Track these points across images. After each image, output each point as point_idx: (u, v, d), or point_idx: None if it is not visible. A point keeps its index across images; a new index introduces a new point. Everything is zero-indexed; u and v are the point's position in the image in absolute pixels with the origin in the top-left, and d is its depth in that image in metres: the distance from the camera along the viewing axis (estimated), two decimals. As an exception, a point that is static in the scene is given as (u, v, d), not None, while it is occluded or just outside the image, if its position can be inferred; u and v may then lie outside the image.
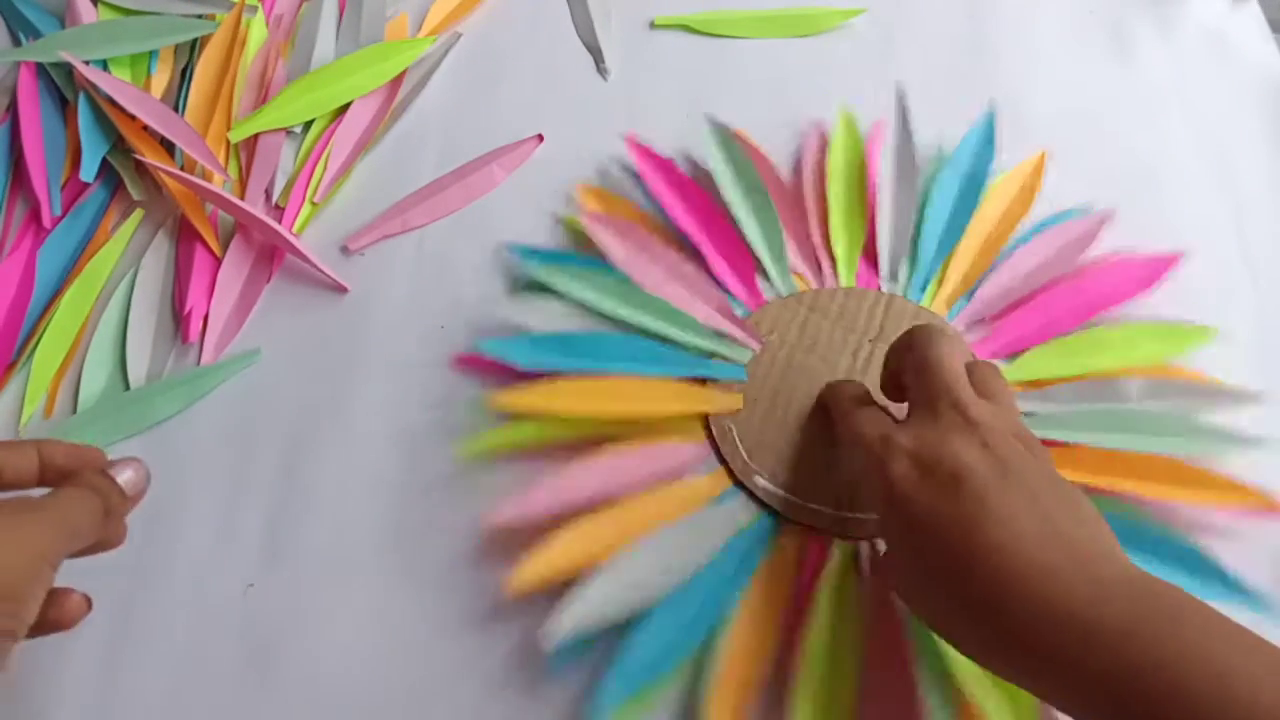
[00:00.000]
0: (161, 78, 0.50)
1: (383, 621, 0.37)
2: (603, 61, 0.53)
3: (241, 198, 0.47)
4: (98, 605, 0.37)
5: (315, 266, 0.45)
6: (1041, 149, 0.48)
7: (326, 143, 0.48)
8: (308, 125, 0.49)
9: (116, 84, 0.47)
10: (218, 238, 0.46)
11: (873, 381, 0.40)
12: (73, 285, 0.44)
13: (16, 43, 0.52)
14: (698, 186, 0.46)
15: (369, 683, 0.36)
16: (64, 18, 0.52)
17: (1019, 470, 0.30)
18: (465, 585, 0.38)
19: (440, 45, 0.53)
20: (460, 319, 0.44)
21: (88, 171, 0.46)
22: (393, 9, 0.54)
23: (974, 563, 0.28)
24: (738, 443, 0.40)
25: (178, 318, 0.44)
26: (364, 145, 0.49)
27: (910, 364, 0.34)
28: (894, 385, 0.36)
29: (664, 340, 0.42)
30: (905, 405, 0.35)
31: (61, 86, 0.49)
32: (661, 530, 0.37)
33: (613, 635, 0.35)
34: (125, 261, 0.46)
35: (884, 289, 0.44)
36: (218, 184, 0.46)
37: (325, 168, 0.48)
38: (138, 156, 0.46)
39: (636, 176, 0.47)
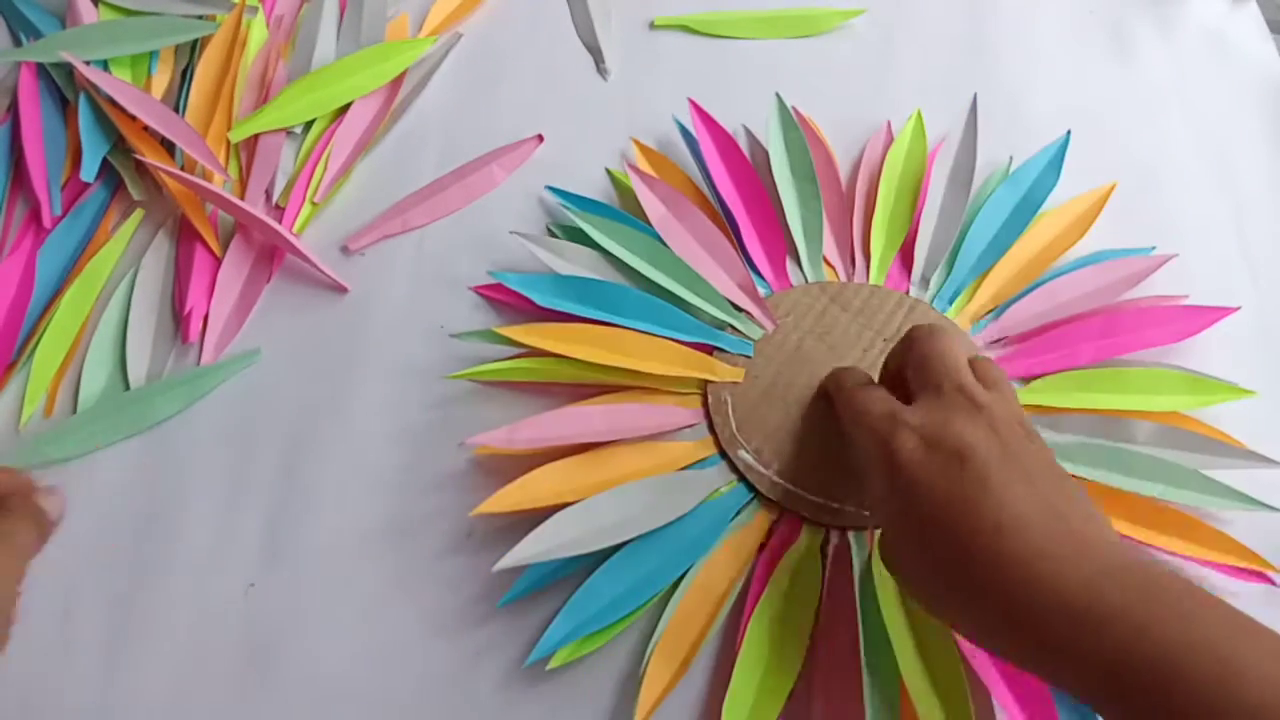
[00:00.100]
0: (162, 78, 0.50)
1: (383, 621, 0.37)
2: (603, 61, 0.53)
3: (242, 198, 0.47)
4: (98, 605, 0.37)
5: (316, 267, 0.45)
6: (1112, 181, 0.47)
7: (327, 143, 0.48)
8: (308, 125, 0.49)
9: (117, 84, 0.47)
10: (218, 238, 0.46)
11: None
12: (73, 285, 0.44)
13: (17, 43, 0.52)
14: (749, 163, 0.47)
15: (369, 683, 0.36)
16: (65, 18, 0.52)
17: (1021, 454, 0.30)
18: (465, 585, 0.38)
19: (441, 45, 0.53)
20: (460, 315, 0.44)
21: (88, 171, 0.46)
22: (393, 9, 0.54)
23: (974, 543, 0.28)
24: (730, 414, 0.41)
25: (178, 318, 0.44)
26: (364, 145, 0.49)
27: (913, 357, 0.34)
28: (894, 385, 0.36)
29: (681, 304, 0.43)
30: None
31: (62, 86, 0.49)
32: (636, 482, 0.38)
33: (575, 584, 0.37)
34: (125, 261, 0.46)
35: (912, 293, 0.44)
36: (218, 184, 0.46)
37: (325, 168, 0.48)
38: (138, 156, 0.46)
39: (693, 140, 0.48)
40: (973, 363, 0.34)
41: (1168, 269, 0.44)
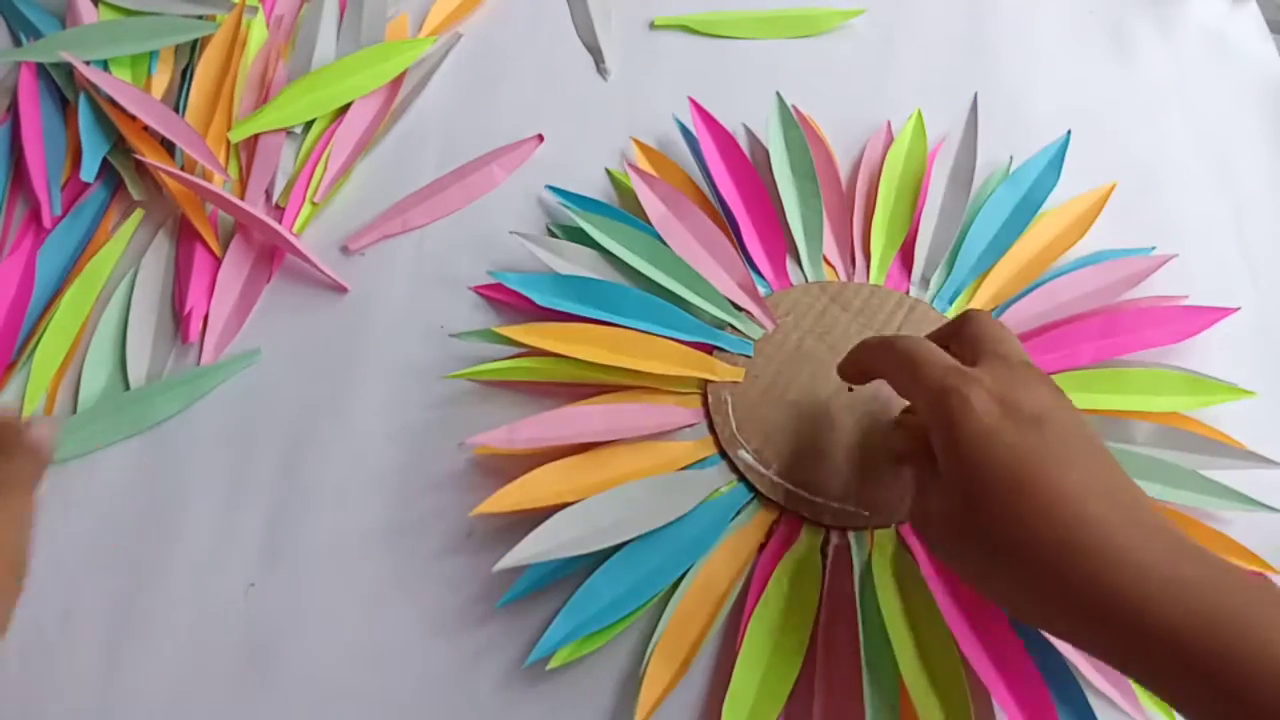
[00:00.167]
0: (162, 78, 0.50)
1: (383, 621, 0.37)
2: (603, 61, 0.53)
3: (241, 198, 0.47)
4: (98, 605, 0.37)
5: (315, 266, 0.45)
6: (1112, 181, 0.47)
7: (327, 143, 0.48)
8: (308, 125, 0.49)
9: (117, 84, 0.47)
10: (218, 238, 0.46)
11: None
12: (73, 285, 0.44)
13: (17, 43, 0.52)
14: (749, 162, 0.47)
15: (369, 683, 0.36)
16: (64, 18, 0.52)
17: (1087, 425, 0.31)
18: (464, 585, 0.38)
19: (440, 45, 0.53)
20: (460, 315, 0.44)
21: (88, 171, 0.46)
22: (393, 9, 0.54)
23: (1053, 502, 0.28)
24: (730, 413, 0.41)
25: (178, 318, 0.44)
26: (364, 145, 0.49)
27: (974, 330, 0.34)
28: (858, 372, 0.37)
29: (682, 304, 0.43)
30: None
31: (62, 86, 0.49)
32: (636, 482, 0.38)
33: (575, 584, 0.37)
34: (125, 261, 0.46)
35: (912, 293, 0.44)
36: (218, 184, 0.46)
37: (325, 168, 0.48)
38: (138, 157, 0.46)
39: (693, 139, 0.48)
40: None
41: (1168, 269, 0.44)
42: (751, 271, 0.45)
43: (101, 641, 0.37)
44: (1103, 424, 0.40)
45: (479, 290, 0.45)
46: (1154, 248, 0.46)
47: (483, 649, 0.37)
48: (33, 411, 0.41)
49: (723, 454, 0.40)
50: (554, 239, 0.45)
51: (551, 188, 0.47)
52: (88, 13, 0.51)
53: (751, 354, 0.42)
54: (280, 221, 0.46)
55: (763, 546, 0.38)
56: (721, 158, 0.47)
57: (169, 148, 0.48)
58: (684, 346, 0.42)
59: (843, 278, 0.45)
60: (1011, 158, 0.48)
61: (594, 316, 0.42)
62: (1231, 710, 0.25)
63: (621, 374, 0.40)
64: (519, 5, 0.55)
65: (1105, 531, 0.27)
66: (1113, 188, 0.47)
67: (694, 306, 0.43)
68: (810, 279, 0.45)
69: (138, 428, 0.41)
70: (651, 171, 0.47)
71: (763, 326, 0.43)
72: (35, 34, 0.51)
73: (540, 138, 0.50)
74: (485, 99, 0.52)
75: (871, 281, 0.45)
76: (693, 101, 0.49)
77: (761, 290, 0.44)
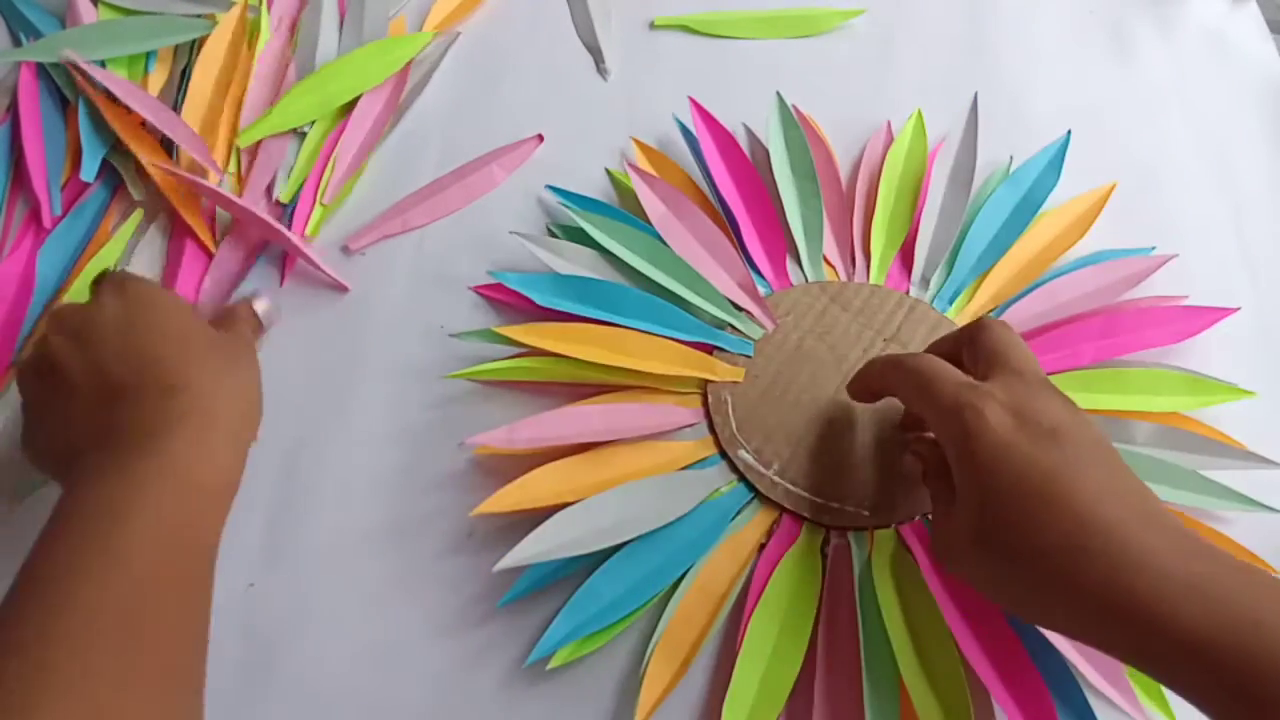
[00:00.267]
0: (159, 78, 0.50)
1: (383, 621, 0.37)
2: (603, 61, 0.53)
3: (240, 195, 0.47)
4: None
5: (313, 263, 0.45)
6: (1112, 181, 0.47)
7: (334, 144, 0.48)
8: (311, 122, 0.49)
9: (116, 80, 0.47)
10: (214, 235, 0.46)
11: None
12: (73, 285, 0.44)
13: (17, 43, 0.52)
14: (749, 162, 0.47)
15: (369, 682, 0.36)
16: (64, 18, 0.52)
17: (1102, 437, 0.31)
18: (465, 585, 0.38)
19: (440, 44, 0.53)
20: (460, 315, 0.44)
21: (88, 171, 0.46)
22: (394, 9, 0.54)
23: (1071, 508, 0.28)
24: (730, 413, 0.41)
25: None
26: (371, 145, 0.49)
27: (988, 340, 0.34)
28: (867, 392, 0.38)
29: (682, 304, 0.43)
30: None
31: (62, 86, 0.49)
32: (636, 482, 0.38)
33: (575, 584, 0.37)
34: (125, 261, 0.45)
35: (912, 293, 0.44)
36: (212, 181, 0.46)
37: (334, 170, 0.48)
38: (136, 155, 0.46)
39: (693, 138, 0.48)
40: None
41: (1168, 269, 0.44)
42: (751, 271, 0.45)
43: (102, 641, 0.37)
44: (1103, 424, 0.40)
45: (479, 290, 0.45)
46: (1154, 248, 0.46)
47: (483, 649, 0.37)
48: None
49: (723, 454, 0.40)
50: (554, 239, 0.45)
51: (551, 188, 0.47)
52: (87, 13, 0.51)
53: (751, 354, 0.42)
54: (290, 224, 0.46)
55: (763, 546, 0.38)
56: (721, 158, 0.47)
57: (167, 148, 0.48)
58: (684, 346, 0.42)
59: (843, 278, 0.45)
60: (1011, 158, 0.48)
61: (594, 316, 0.42)
62: (1251, 709, 0.25)
63: (621, 374, 0.40)
64: (519, 5, 0.55)
65: (1123, 535, 0.28)
66: (1113, 188, 0.47)
67: (694, 306, 0.43)
68: (810, 279, 0.45)
69: (138, 428, 0.41)
70: (651, 171, 0.47)
71: (763, 326, 0.43)
72: (35, 34, 0.51)
73: (540, 138, 0.50)
74: (485, 99, 0.52)
75: (871, 281, 0.45)
76: (693, 101, 0.49)
77: (761, 290, 0.44)
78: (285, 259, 0.45)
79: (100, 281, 0.36)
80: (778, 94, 0.49)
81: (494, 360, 0.42)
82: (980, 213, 0.46)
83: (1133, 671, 0.35)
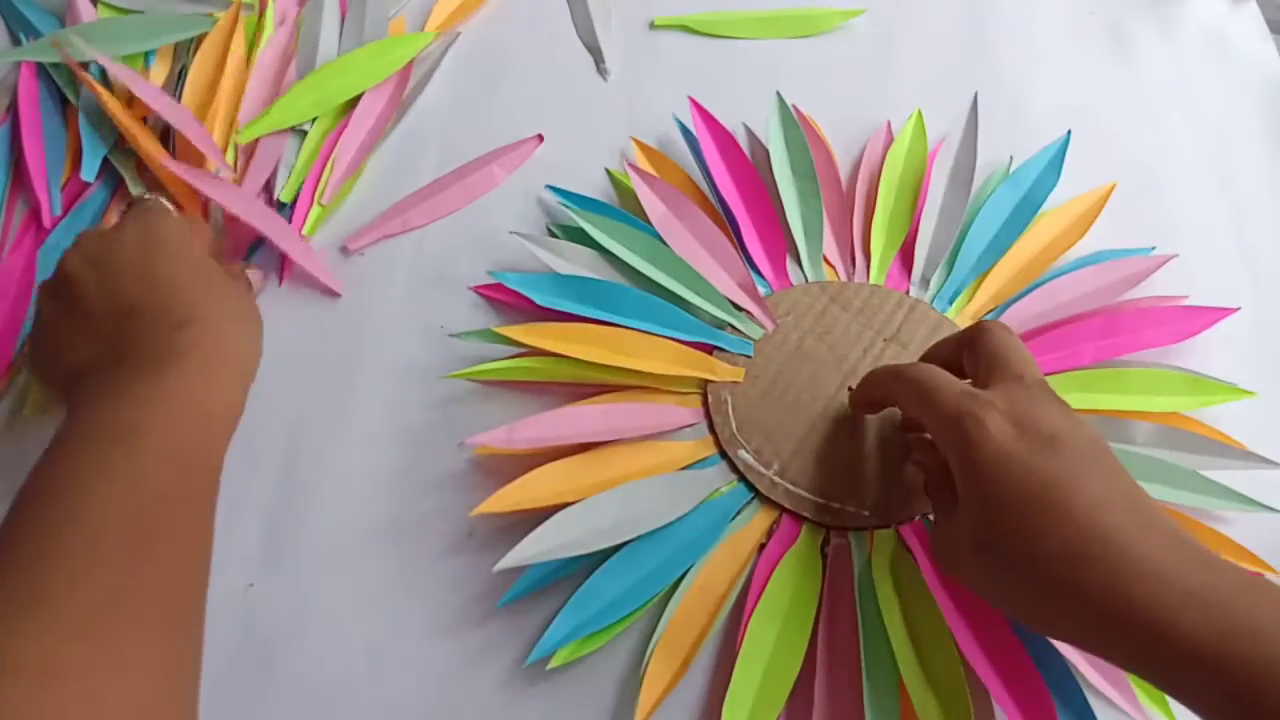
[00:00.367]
0: (158, 76, 0.50)
1: (383, 621, 0.37)
2: (603, 61, 0.53)
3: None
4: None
5: (310, 263, 0.45)
6: (1112, 181, 0.47)
7: (333, 144, 0.48)
8: (311, 121, 0.49)
9: (123, 70, 0.47)
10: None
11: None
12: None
13: (16, 43, 0.52)
14: (749, 161, 0.47)
15: (369, 683, 0.36)
16: (64, 17, 0.52)
17: (1102, 443, 0.31)
18: (465, 585, 0.38)
19: (440, 44, 0.53)
20: (460, 315, 0.44)
21: (88, 171, 0.46)
22: (394, 9, 0.54)
23: (1070, 515, 0.28)
24: (730, 414, 0.41)
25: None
26: (371, 145, 0.49)
27: (989, 344, 0.34)
28: (869, 403, 0.38)
29: (682, 304, 0.43)
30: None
31: (62, 86, 0.49)
32: (636, 482, 0.38)
33: (575, 584, 0.37)
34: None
35: (912, 293, 0.44)
36: (211, 168, 0.46)
37: (333, 170, 0.48)
38: (136, 149, 0.46)
39: (693, 138, 0.48)
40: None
41: (1168, 269, 0.44)
42: (751, 271, 0.45)
43: (102, 641, 0.37)
44: (1103, 424, 0.40)
45: (479, 290, 0.45)
46: (1154, 248, 0.46)
47: (483, 649, 0.37)
48: (35, 413, 0.41)
49: (723, 454, 0.40)
50: (554, 239, 0.45)
51: (551, 188, 0.47)
52: (87, 12, 0.51)
53: (751, 354, 0.42)
54: (290, 224, 0.46)
55: (763, 546, 0.38)
56: (722, 158, 0.47)
57: (166, 146, 0.48)
58: (684, 346, 0.42)
59: (843, 278, 0.45)
60: (1011, 158, 0.48)
61: (594, 316, 0.42)
62: (1250, 716, 0.25)
63: (621, 374, 0.40)
64: (519, 5, 0.55)
65: (1123, 541, 0.28)
66: (1113, 188, 0.47)
67: (694, 306, 0.43)
68: (810, 279, 0.45)
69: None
70: (651, 171, 0.47)
71: (763, 326, 0.43)
72: (35, 34, 0.51)
73: (540, 138, 0.50)
74: (485, 99, 0.52)
75: (871, 281, 0.45)
76: (693, 101, 0.49)
77: (761, 290, 0.44)
78: (284, 259, 0.45)
79: (129, 208, 0.36)
80: (778, 94, 0.49)
81: (494, 360, 0.42)
82: (980, 213, 0.46)
83: (1133, 672, 0.35)
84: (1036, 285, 0.44)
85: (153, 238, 0.35)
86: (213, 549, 0.31)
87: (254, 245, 0.46)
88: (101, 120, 0.47)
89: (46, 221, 0.45)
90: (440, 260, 0.46)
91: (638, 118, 0.51)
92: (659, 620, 0.36)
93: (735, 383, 0.42)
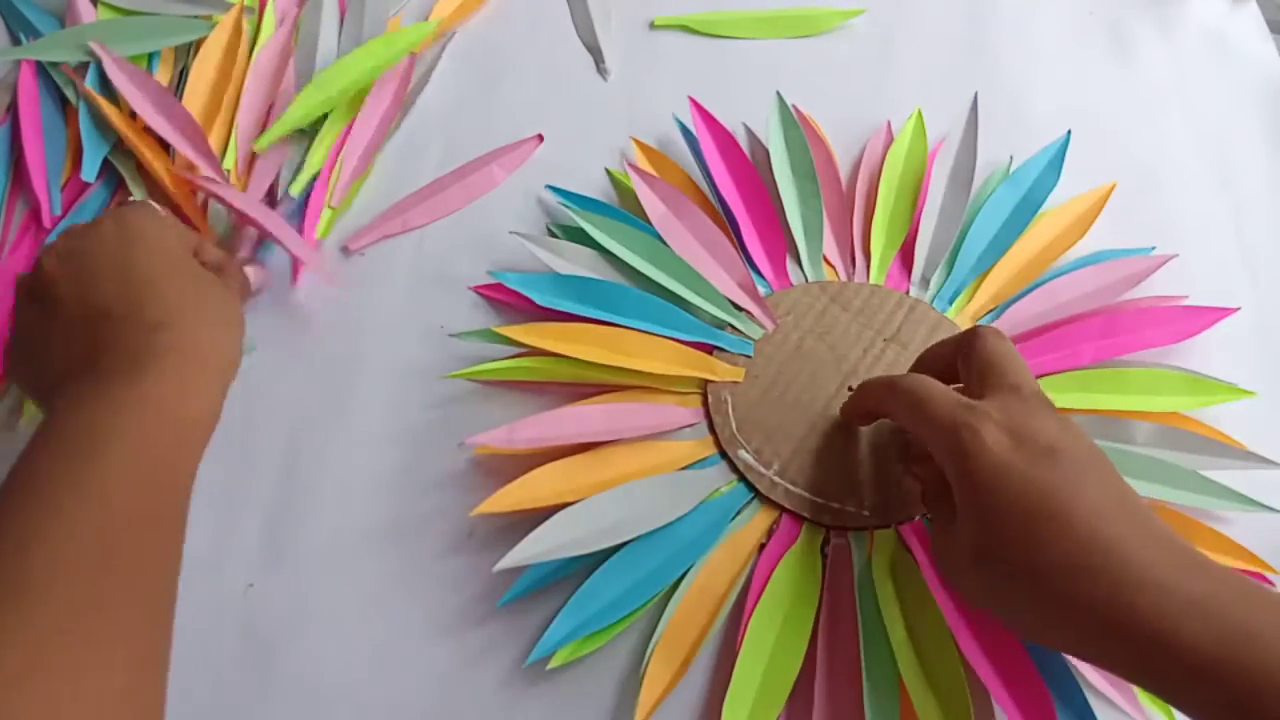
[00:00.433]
0: (160, 78, 0.50)
1: (383, 621, 0.37)
2: (603, 61, 0.53)
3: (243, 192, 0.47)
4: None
5: (305, 260, 0.44)
6: (1112, 181, 0.47)
7: (339, 148, 0.48)
8: (316, 122, 0.49)
9: (126, 67, 0.47)
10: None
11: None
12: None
13: (16, 43, 0.52)
14: (749, 161, 0.47)
15: (369, 682, 0.36)
16: (64, 18, 0.52)
17: (1099, 453, 0.31)
18: (465, 585, 0.38)
19: (439, 43, 0.53)
20: (460, 315, 0.44)
21: (89, 171, 0.46)
22: (394, 9, 0.54)
23: (1071, 526, 0.28)
24: (730, 413, 0.41)
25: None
26: (375, 148, 0.49)
27: (984, 352, 0.34)
28: (863, 414, 0.38)
29: (682, 304, 0.43)
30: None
31: (62, 86, 0.49)
32: (636, 482, 0.38)
33: (575, 584, 0.37)
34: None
35: (912, 293, 0.44)
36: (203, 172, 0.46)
37: (340, 174, 0.48)
38: (136, 152, 0.46)
39: (693, 138, 0.48)
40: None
41: (1168, 269, 0.44)
42: (751, 271, 0.45)
43: (102, 641, 0.37)
44: (1103, 424, 0.40)
45: (479, 290, 0.45)
46: (1154, 248, 0.46)
47: (483, 649, 0.37)
48: (33, 412, 0.41)
49: (723, 454, 0.40)
50: (554, 239, 0.45)
51: (551, 188, 0.47)
52: (87, 13, 0.51)
53: (751, 354, 0.42)
54: (301, 230, 0.46)
55: (763, 546, 0.38)
56: (722, 158, 0.47)
57: (165, 147, 0.48)
58: (684, 346, 0.42)
59: (843, 278, 0.45)
60: (1011, 158, 0.48)
61: (594, 316, 0.42)
62: None
63: (621, 374, 0.40)
64: (519, 5, 0.55)
65: (1125, 552, 0.28)
66: (1113, 188, 0.47)
67: (694, 306, 0.43)
68: (810, 279, 0.45)
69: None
70: (651, 171, 0.47)
71: (763, 326, 0.43)
72: (35, 34, 0.51)
73: (540, 138, 0.50)
74: (485, 99, 0.52)
75: (871, 281, 0.45)
76: (693, 101, 0.49)
77: (761, 290, 0.44)
78: (295, 261, 0.45)
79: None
80: (778, 94, 0.49)
81: (494, 360, 0.42)
82: (980, 213, 0.46)
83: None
84: (1036, 285, 0.44)
85: (129, 232, 0.35)
86: (181, 562, 0.30)
87: (258, 248, 0.46)
88: (102, 120, 0.47)
89: (46, 221, 0.45)
90: (440, 260, 0.46)
91: (638, 118, 0.51)
92: (659, 620, 0.36)
93: (735, 383, 0.42)
